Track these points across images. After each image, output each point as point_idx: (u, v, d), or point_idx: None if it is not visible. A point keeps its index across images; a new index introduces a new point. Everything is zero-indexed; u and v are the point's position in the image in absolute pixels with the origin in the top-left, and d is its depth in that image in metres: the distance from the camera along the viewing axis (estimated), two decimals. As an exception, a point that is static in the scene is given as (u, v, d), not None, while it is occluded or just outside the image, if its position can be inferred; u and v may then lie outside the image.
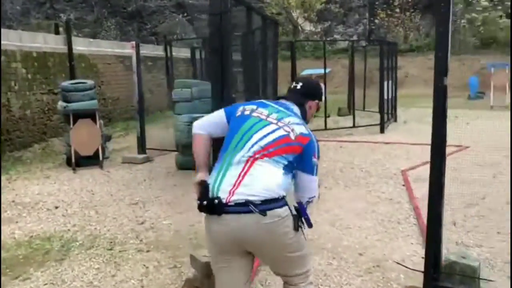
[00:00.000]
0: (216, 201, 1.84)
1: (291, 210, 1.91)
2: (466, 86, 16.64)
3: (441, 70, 2.38)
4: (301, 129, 1.99)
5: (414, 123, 10.37)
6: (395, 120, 10.63)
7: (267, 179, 1.86)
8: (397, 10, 22.59)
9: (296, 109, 2.12)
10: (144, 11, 22.77)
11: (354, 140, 8.43)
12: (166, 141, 8.09)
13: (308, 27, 27.21)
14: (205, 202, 1.87)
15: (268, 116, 2.02)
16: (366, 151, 7.37)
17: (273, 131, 1.96)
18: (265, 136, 1.94)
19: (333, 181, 5.52)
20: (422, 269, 2.61)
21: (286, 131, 1.96)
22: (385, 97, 9.80)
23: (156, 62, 12.75)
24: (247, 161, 1.90)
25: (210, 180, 1.93)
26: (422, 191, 5.00)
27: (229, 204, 1.82)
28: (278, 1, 23.75)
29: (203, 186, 1.92)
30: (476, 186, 5.00)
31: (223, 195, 1.84)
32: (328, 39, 24.51)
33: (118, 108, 11.66)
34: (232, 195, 1.83)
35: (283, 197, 1.88)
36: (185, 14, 23.06)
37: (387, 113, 9.86)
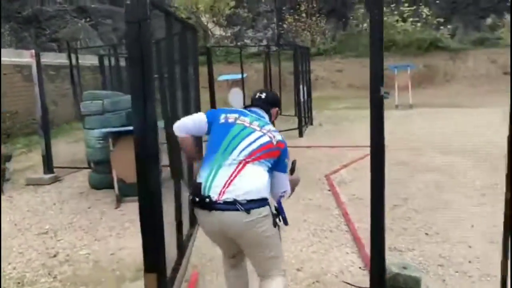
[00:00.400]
0: (207, 200, 2.09)
1: (271, 210, 2.16)
2: (371, 87, 17.57)
3: (376, 79, 2.30)
4: (278, 136, 2.31)
5: (330, 125, 10.65)
6: (311, 123, 10.81)
7: (254, 181, 2.12)
8: (304, 15, 23.31)
9: (266, 117, 2.44)
10: (41, 16, 21.09)
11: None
12: (76, 158, 7.46)
13: (218, 31, 27.17)
14: (197, 199, 2.13)
15: (250, 123, 2.30)
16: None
17: (259, 137, 2.24)
18: (253, 142, 2.21)
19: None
20: (365, 285, 2.53)
21: (269, 137, 2.26)
22: (301, 100, 9.96)
23: (59, 71, 11.79)
24: (239, 164, 2.15)
25: (201, 179, 2.16)
26: (348, 194, 5.06)
27: (219, 202, 2.07)
28: (186, 6, 23.39)
29: (195, 185, 2.18)
30: (397, 187, 5.14)
31: (214, 194, 2.09)
32: (239, 43, 24.66)
33: (17, 123, 10.58)
34: (222, 194, 2.08)
35: (266, 198, 2.14)
36: (88, 19, 21.78)
37: (304, 116, 10.01)
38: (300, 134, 9.16)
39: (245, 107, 2.49)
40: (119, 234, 4.19)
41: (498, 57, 17.27)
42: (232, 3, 25.01)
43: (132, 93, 2.33)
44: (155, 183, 2.34)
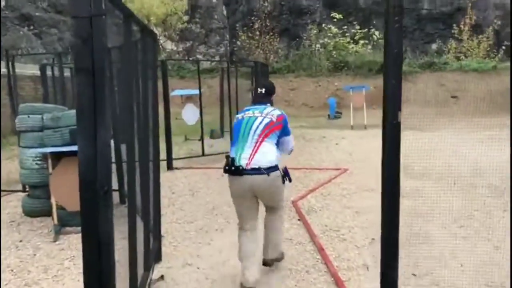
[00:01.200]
0: (240, 167, 3.08)
1: (281, 172, 3.20)
2: (324, 107, 17.60)
3: (393, 102, 1.86)
4: (276, 112, 3.29)
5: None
6: (269, 143, 10.39)
7: (268, 155, 3.13)
8: (257, 33, 23.19)
9: (268, 104, 3.42)
10: (-22, 21, 19.55)
11: (233, 166, 7.82)
12: (10, 178, 6.60)
13: (169, 46, 26.60)
14: (233, 168, 3.10)
15: (253, 113, 3.29)
16: (249, 179, 6.86)
17: (262, 120, 3.22)
18: (259, 124, 3.20)
19: (223, 221, 4.82)
20: None
21: (269, 117, 3.23)
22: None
23: (-5, 80, 10.67)
24: (256, 143, 3.15)
25: (232, 155, 3.17)
26: (320, 225, 4.62)
27: (247, 169, 3.07)
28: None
29: (230, 158, 3.14)
30: (372, 216, 4.77)
31: (243, 163, 3.09)
32: (191, 58, 24.11)
33: None
34: (249, 164, 3.08)
35: (277, 165, 3.15)
36: (32, 27, 20.44)
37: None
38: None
39: (253, 102, 3.50)
40: (56, 277, 3.48)
41: (446, 81, 17.82)
42: (185, 18, 24.52)
43: (78, 107, 1.77)
44: (104, 219, 1.77)
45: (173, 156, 7.87)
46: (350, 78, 19.55)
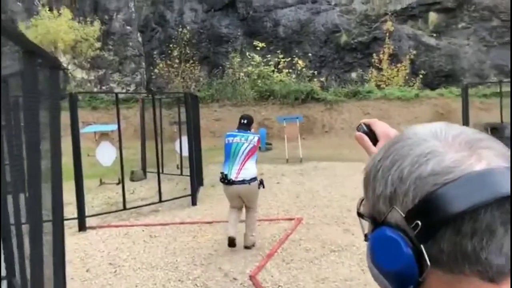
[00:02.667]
0: (231, 179, 4.74)
1: (258, 181, 4.88)
2: (253, 138, 16.64)
3: None
4: (256, 137, 5.02)
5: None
6: (201, 184, 9.02)
7: (251, 170, 4.81)
8: (176, 60, 22.03)
9: (249, 131, 5.01)
10: None
11: (166, 221, 6.33)
12: None
13: (80, 74, 24.53)
14: (226, 180, 4.79)
15: (240, 140, 4.89)
16: (186, 238, 5.49)
17: (247, 146, 4.86)
18: (244, 150, 4.83)
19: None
20: None
21: (252, 144, 4.91)
22: (184, 154, 8.31)
23: None
24: (242, 162, 4.78)
25: (225, 171, 4.80)
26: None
27: (236, 181, 4.74)
28: (42, 44, 20.35)
29: (224, 174, 4.82)
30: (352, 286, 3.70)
31: (233, 177, 4.73)
32: (104, 87, 22.24)
33: None
34: (237, 177, 4.74)
35: (256, 177, 4.87)
36: None
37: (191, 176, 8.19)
38: (194, 202, 7.30)
39: (238, 128, 5.06)
40: None
41: (371, 110, 17.82)
42: (97, 45, 22.68)
43: None
44: None
45: (87, 209, 6.28)
46: (277, 107, 18.95)
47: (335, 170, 10.52)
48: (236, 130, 5.00)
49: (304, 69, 20.31)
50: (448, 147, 0.53)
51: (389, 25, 20.46)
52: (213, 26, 23.66)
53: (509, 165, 0.51)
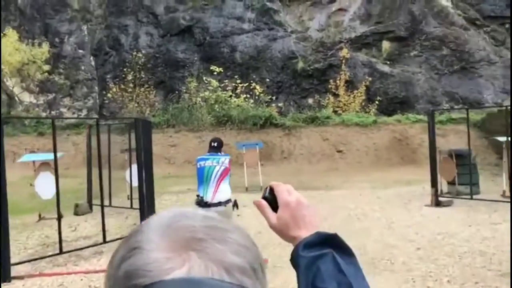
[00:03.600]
0: (207, 202, 4.86)
1: (232, 202, 5.04)
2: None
3: None
4: (227, 159, 5.07)
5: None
6: (153, 216, 8.34)
7: (225, 193, 4.95)
8: (131, 85, 21.33)
9: (220, 154, 5.13)
10: None
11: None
12: None
13: (27, 98, 23.32)
14: (202, 203, 4.84)
15: (212, 162, 4.97)
16: None
17: (219, 169, 4.94)
18: (216, 173, 4.92)
19: None
20: None
21: (224, 166, 4.98)
22: (134, 184, 7.67)
23: None
24: (216, 185, 4.90)
25: (200, 194, 4.93)
26: None
27: (212, 203, 4.84)
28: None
29: (200, 197, 4.93)
30: None
31: (209, 199, 4.87)
32: (54, 112, 21.15)
33: None
34: (212, 200, 4.87)
35: (230, 198, 5.01)
36: None
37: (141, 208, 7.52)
38: (143, 238, 6.64)
39: (208, 151, 5.16)
40: None
41: (330, 135, 17.73)
42: (46, 68, 21.67)
43: None
44: None
45: (18, 253, 5.45)
46: (234, 133, 18.54)
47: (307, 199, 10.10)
48: (208, 154, 5.12)
49: (262, 94, 20.10)
50: (160, 242, 0.47)
51: (344, 52, 20.70)
52: (169, 50, 23.18)
53: (227, 273, 0.46)
